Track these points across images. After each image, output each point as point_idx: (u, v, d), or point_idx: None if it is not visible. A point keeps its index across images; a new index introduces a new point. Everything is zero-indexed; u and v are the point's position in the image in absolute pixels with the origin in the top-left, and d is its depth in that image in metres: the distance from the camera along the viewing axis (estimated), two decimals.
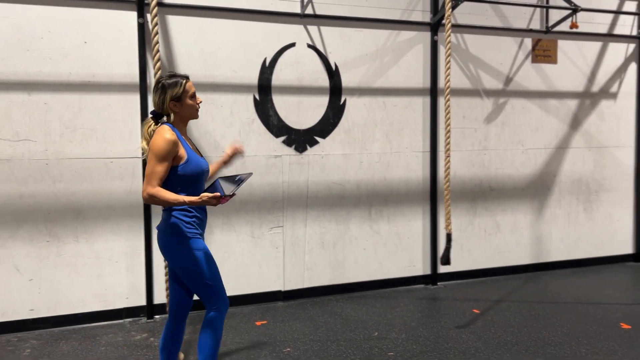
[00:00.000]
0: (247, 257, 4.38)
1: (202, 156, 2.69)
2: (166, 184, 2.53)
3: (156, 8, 3.01)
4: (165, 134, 2.48)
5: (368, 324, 3.97)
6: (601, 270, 5.42)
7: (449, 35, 3.63)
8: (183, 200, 2.42)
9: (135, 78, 4.00)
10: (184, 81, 2.61)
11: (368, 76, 4.68)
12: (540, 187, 5.34)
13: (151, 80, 3.97)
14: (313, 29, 4.48)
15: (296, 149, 4.49)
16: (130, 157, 4.02)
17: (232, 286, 4.34)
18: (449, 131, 3.74)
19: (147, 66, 4.00)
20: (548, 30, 5.17)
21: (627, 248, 5.75)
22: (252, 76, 4.32)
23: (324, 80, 4.54)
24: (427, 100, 4.88)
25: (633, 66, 5.63)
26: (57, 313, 3.94)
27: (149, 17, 3.87)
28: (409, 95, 4.84)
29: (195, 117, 2.71)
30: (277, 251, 4.47)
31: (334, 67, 4.56)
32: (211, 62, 4.21)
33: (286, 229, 4.48)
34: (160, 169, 2.46)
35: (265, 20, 4.32)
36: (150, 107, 3.85)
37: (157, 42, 3.08)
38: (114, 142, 3.99)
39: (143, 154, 2.62)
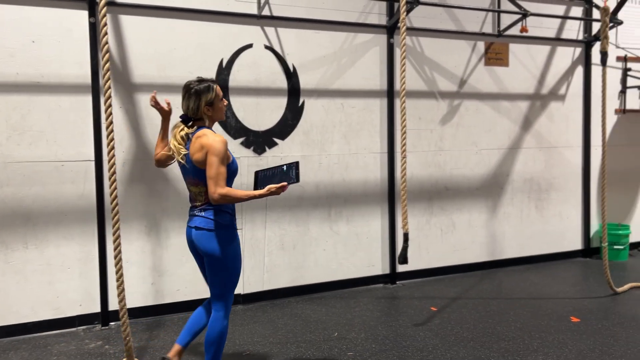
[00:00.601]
0: None
1: None
2: None
3: (105, 7, 2.93)
4: (218, 137, 2.62)
5: (328, 324, 3.99)
6: (552, 266, 5.62)
7: (404, 38, 3.68)
8: (253, 194, 2.62)
9: (87, 79, 3.89)
10: (215, 86, 2.73)
11: (326, 78, 4.70)
12: (493, 186, 5.49)
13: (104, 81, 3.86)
14: (270, 30, 4.47)
15: (255, 151, 4.46)
16: (82, 160, 3.91)
17: (190, 290, 4.28)
18: (404, 133, 3.79)
19: (99, 67, 3.89)
20: (500, 34, 5.33)
21: (576, 244, 5.98)
22: (209, 77, 4.25)
23: (282, 82, 4.53)
24: (385, 102, 4.94)
25: (579, 69, 5.86)
26: (5, 323, 3.78)
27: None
28: (366, 97, 4.89)
29: (223, 118, 2.88)
30: None
31: (292, 69, 4.56)
32: (166, 63, 4.13)
33: (245, 232, 4.45)
34: (224, 169, 2.60)
35: (222, 21, 4.28)
36: (106, 108, 3.74)
37: (107, 43, 2.99)
38: (65, 145, 3.87)
39: (177, 154, 2.74)
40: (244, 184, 4.40)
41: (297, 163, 2.73)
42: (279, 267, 4.60)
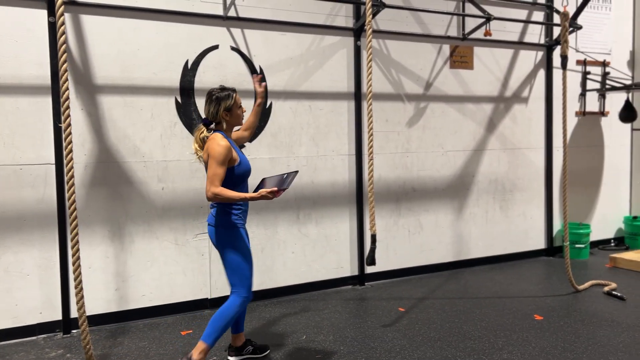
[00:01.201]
0: (171, 265, 4.25)
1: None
2: (225, 182, 2.94)
3: (63, 7, 2.86)
4: (220, 141, 2.91)
5: (296, 327, 3.97)
6: (517, 265, 5.73)
7: (370, 41, 3.70)
8: (245, 197, 2.85)
9: (47, 80, 3.78)
10: (234, 94, 3.05)
11: (294, 80, 4.69)
12: (459, 187, 5.58)
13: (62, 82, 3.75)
14: (236, 31, 4.43)
15: None
16: (42, 163, 3.79)
17: (156, 295, 4.20)
18: (371, 135, 3.81)
19: (59, 68, 3.78)
20: (465, 38, 5.42)
21: (540, 243, 6.12)
22: (174, 78, 4.20)
23: (249, 83, 4.50)
24: (352, 104, 4.96)
25: (542, 72, 6.01)
26: None
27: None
28: (334, 99, 4.90)
29: (240, 124, 3.16)
30: (203, 258, 4.37)
31: (258, 70, 4.53)
32: (130, 64, 4.05)
33: None
34: (220, 171, 2.87)
35: (187, 21, 4.23)
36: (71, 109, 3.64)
37: (64, 43, 2.93)
38: (24, 148, 3.75)
39: (197, 154, 3.12)
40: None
41: (296, 172, 2.93)
42: None
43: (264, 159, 4.57)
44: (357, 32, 4.89)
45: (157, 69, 4.14)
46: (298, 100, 4.71)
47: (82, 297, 3.16)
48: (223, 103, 3.01)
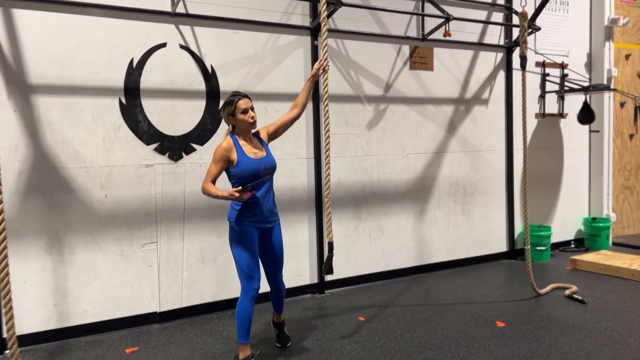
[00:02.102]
0: (116, 278, 3.98)
1: (263, 156, 3.26)
2: (230, 180, 3.26)
3: None
4: (222, 143, 3.18)
5: (251, 341, 3.75)
6: (479, 269, 5.66)
7: (326, 40, 3.53)
8: (217, 194, 3.05)
9: None
10: (236, 100, 3.20)
11: (248, 80, 4.48)
12: (421, 190, 5.46)
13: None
14: (186, 29, 4.19)
15: (170, 157, 4.16)
16: None
17: (99, 311, 3.92)
18: (328, 138, 3.63)
19: None
20: (424, 38, 5.31)
21: (502, 246, 6.07)
22: (117, 78, 3.94)
23: (200, 84, 4.27)
24: (310, 106, 4.78)
25: (501, 74, 5.96)
26: None
27: None
28: (291, 100, 4.68)
29: (247, 128, 3.25)
30: (151, 269, 4.11)
31: (210, 70, 4.30)
32: (68, 63, 3.77)
33: (161, 245, 4.14)
34: (214, 169, 3.16)
35: (132, 18, 3.97)
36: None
37: None
38: None
39: None
40: (158, 193, 4.10)
41: (268, 178, 3.25)
42: (200, 282, 4.31)
43: None
44: (314, 31, 4.72)
45: (98, 68, 3.87)
46: (253, 101, 4.47)
47: (12, 316, 2.89)
48: (226, 109, 3.22)
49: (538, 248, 5.94)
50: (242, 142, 3.23)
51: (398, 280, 5.25)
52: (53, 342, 3.77)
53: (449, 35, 5.10)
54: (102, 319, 3.93)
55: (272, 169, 3.31)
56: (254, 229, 3.25)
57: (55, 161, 3.76)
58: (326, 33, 3.51)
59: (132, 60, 3.99)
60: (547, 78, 6.26)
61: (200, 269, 4.32)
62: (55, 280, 3.78)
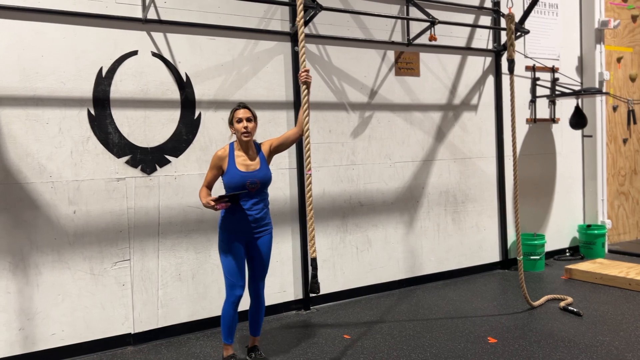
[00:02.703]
0: (87, 298, 3.77)
1: (256, 169, 3.27)
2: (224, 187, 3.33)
3: None
4: (218, 150, 3.31)
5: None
6: (471, 280, 5.46)
7: (303, 46, 3.34)
8: (201, 200, 3.19)
9: None
10: (236, 108, 3.30)
11: (225, 88, 4.30)
12: (409, 200, 5.28)
13: None
14: (158, 35, 4.01)
15: (143, 170, 3.97)
16: None
17: (69, 334, 3.70)
18: (308, 150, 3.44)
19: None
20: (410, 43, 5.15)
21: (494, 256, 5.88)
22: (86, 88, 3.75)
23: (174, 93, 4.08)
24: (292, 113, 4.61)
25: (490, 79, 5.80)
26: None
27: None
28: (271, 108, 4.53)
29: (241, 138, 3.27)
30: (124, 289, 3.90)
31: (184, 78, 4.12)
32: (32, 72, 3.58)
33: (134, 263, 3.93)
34: (208, 174, 3.33)
35: (100, 25, 3.79)
36: None
37: None
38: None
39: None
40: (130, 208, 3.90)
41: (245, 193, 3.24)
42: (176, 301, 4.10)
43: (193, 175, 4.15)
44: (295, 36, 4.55)
45: (65, 78, 3.68)
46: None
47: None
48: (229, 117, 3.32)
49: (532, 257, 5.76)
50: (237, 152, 3.28)
51: (387, 294, 5.04)
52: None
53: (435, 39, 4.94)
54: (71, 342, 3.71)
55: (261, 183, 3.29)
56: (237, 238, 3.28)
57: (19, 176, 3.55)
58: (304, 41, 3.33)
59: (101, 69, 3.80)
60: (538, 82, 6.10)
61: (177, 287, 4.11)
62: (20, 303, 3.57)
